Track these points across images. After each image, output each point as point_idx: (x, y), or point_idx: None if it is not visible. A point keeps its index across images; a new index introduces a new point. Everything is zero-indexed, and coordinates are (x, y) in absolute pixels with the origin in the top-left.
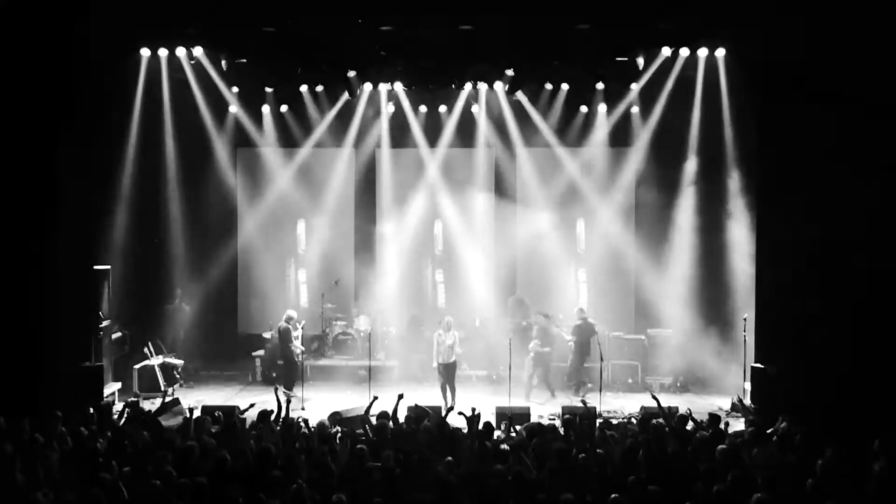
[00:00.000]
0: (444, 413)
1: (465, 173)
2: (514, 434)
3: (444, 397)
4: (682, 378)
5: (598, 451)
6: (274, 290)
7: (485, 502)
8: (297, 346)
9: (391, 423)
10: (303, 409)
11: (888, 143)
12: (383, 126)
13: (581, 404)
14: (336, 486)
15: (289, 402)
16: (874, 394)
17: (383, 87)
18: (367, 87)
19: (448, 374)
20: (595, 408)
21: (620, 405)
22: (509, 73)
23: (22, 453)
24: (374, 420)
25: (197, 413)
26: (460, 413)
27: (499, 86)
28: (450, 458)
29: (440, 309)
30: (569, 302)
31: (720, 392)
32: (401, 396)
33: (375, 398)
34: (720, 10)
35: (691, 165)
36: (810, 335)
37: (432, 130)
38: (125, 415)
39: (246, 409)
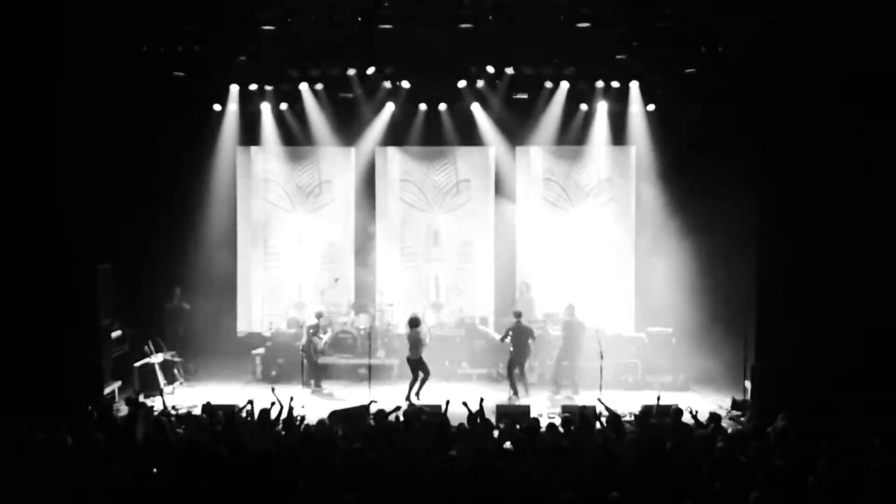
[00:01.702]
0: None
1: (465, 172)
2: (514, 431)
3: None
4: (683, 376)
5: (597, 449)
6: (274, 288)
7: (486, 500)
8: (320, 344)
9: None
10: (302, 407)
11: (889, 141)
12: (383, 124)
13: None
14: (337, 485)
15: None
16: (874, 393)
17: (383, 86)
18: (367, 85)
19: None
20: (595, 406)
21: (620, 404)
22: (509, 72)
23: (22, 451)
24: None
25: (196, 412)
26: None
27: (499, 84)
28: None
29: (440, 308)
30: (568, 300)
31: (721, 391)
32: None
33: (373, 402)
34: (719, 9)
35: (690, 163)
36: (811, 333)
37: (432, 129)
38: (132, 413)
39: (244, 407)
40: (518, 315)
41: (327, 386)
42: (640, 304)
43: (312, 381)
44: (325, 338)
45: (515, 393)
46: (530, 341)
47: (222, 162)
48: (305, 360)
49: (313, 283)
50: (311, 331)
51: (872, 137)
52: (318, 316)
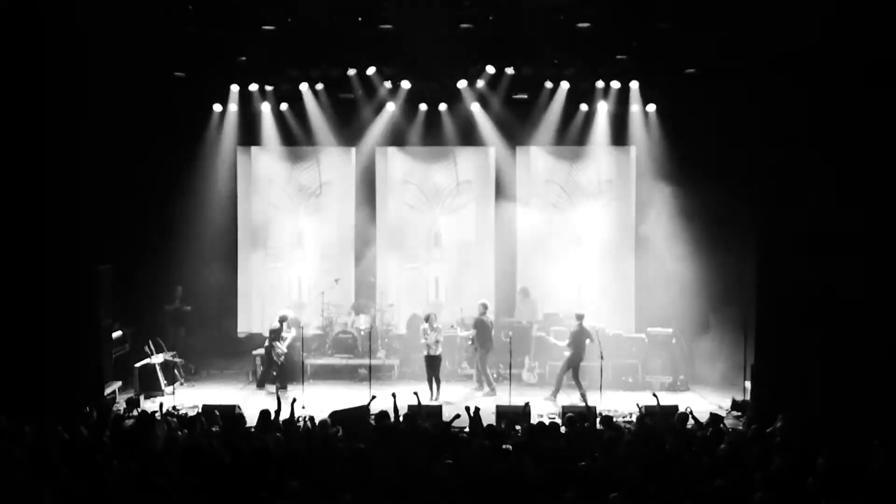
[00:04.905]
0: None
1: (465, 172)
2: (515, 433)
3: (430, 388)
4: (683, 377)
5: (597, 450)
6: (274, 289)
7: (486, 500)
8: (282, 347)
9: (392, 420)
10: (303, 408)
11: (887, 141)
12: (383, 124)
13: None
14: (337, 486)
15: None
16: (874, 393)
17: (383, 86)
18: (368, 85)
19: (434, 366)
20: (595, 407)
21: (620, 404)
22: (509, 72)
23: (24, 451)
24: (373, 418)
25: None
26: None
27: (499, 85)
28: (450, 461)
29: (440, 307)
30: (569, 301)
31: (721, 391)
32: (394, 395)
33: (374, 397)
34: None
35: (691, 163)
36: (811, 334)
37: (432, 129)
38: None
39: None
40: (580, 318)
41: (327, 386)
42: (640, 304)
43: (277, 385)
44: (287, 340)
45: (583, 395)
46: (588, 342)
47: (222, 162)
48: (264, 364)
49: (313, 284)
50: (272, 335)
51: (875, 136)
52: (282, 320)
